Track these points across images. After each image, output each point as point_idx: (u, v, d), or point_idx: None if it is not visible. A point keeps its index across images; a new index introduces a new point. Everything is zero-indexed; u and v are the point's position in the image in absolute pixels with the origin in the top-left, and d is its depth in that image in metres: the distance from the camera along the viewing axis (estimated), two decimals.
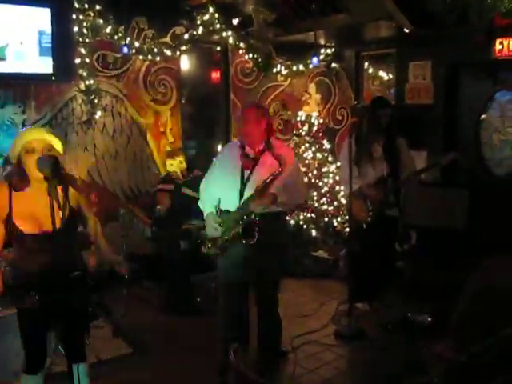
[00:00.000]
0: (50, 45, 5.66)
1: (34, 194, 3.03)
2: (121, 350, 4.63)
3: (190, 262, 5.50)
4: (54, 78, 5.75)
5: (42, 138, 3.06)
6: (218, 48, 7.15)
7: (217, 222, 3.91)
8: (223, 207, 4.02)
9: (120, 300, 5.39)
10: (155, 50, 6.40)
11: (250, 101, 4.12)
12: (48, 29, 5.61)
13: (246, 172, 3.93)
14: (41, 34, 5.62)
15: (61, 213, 2.82)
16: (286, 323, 4.88)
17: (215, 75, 7.55)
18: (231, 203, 3.93)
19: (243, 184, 3.90)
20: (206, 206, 4.05)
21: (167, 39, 6.53)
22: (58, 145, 3.12)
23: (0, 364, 3.81)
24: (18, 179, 3.05)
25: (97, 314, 5.05)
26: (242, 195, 3.89)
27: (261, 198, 3.76)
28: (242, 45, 6.95)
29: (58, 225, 2.71)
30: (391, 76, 7.19)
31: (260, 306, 4.26)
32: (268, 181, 3.71)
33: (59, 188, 2.80)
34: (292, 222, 7.03)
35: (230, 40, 6.83)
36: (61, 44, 5.72)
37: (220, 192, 4.01)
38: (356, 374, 4.38)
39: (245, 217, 3.79)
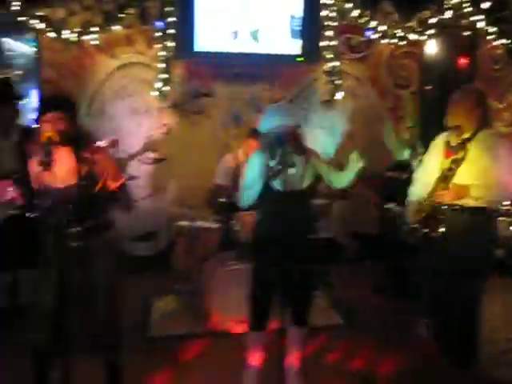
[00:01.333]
0: (299, 28, 6.09)
1: None
2: (332, 320, 4.93)
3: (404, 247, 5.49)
4: (303, 59, 6.18)
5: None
6: (467, 33, 6.89)
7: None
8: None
9: (339, 275, 5.66)
10: (400, 34, 6.45)
11: (468, 85, 3.79)
12: (298, 13, 6.03)
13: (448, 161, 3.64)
14: (292, 18, 6.07)
15: None
16: (502, 323, 4.70)
17: (462, 61, 7.29)
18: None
19: (442, 174, 3.62)
20: (413, 192, 4.01)
21: (413, 23, 6.53)
22: None
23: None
24: None
25: (318, 284, 5.44)
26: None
27: (446, 189, 3.54)
28: (492, 30, 6.61)
29: None
30: None
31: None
32: (450, 170, 3.49)
33: None
34: None
35: (480, 25, 6.54)
36: (309, 27, 6.12)
37: (426, 181, 3.84)
38: None
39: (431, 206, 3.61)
